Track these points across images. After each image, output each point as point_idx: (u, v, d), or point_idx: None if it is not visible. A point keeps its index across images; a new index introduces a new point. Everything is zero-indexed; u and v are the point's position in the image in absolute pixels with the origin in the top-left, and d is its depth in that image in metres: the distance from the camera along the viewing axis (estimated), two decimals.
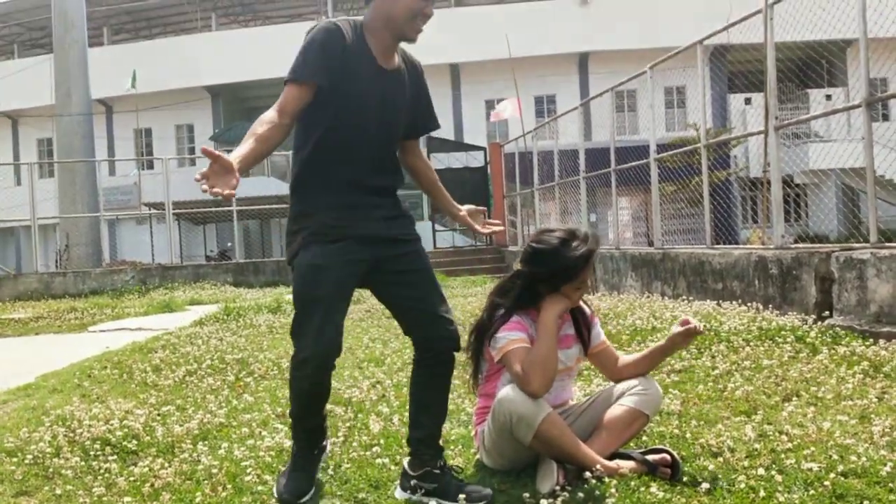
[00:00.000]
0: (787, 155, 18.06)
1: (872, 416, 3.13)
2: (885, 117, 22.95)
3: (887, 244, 5.73)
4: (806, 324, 5.42)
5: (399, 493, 2.59)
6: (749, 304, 6.52)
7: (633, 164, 10.66)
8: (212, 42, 31.03)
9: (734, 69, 20.60)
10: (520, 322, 2.69)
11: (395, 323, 2.68)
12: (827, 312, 5.79)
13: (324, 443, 2.72)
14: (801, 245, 6.83)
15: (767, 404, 3.45)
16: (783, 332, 5.06)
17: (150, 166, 28.98)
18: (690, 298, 7.83)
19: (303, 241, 2.52)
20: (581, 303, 2.86)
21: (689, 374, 4.20)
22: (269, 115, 2.38)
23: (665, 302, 7.48)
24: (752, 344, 4.80)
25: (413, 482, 2.56)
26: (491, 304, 2.81)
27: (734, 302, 6.86)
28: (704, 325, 5.38)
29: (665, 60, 9.35)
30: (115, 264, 20.74)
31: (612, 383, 2.93)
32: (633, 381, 2.82)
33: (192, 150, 32.50)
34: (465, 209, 2.93)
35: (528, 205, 15.92)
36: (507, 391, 2.59)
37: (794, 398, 3.55)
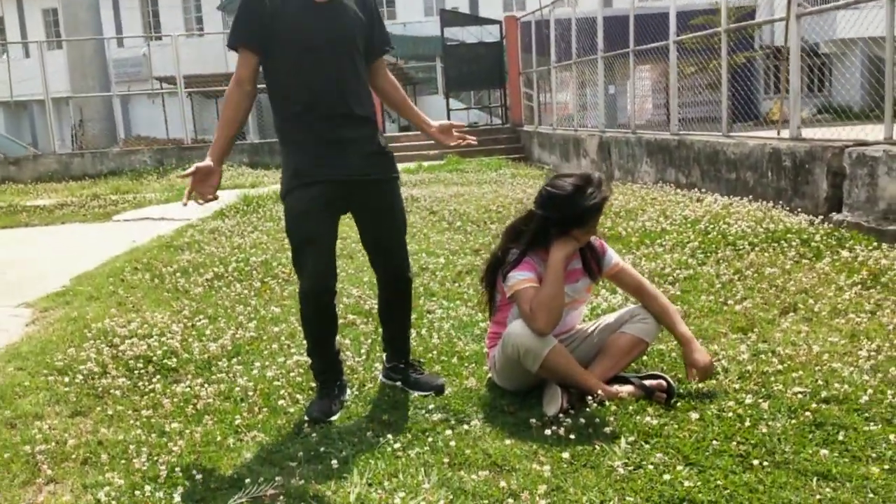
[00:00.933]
0: (813, 23, 17.45)
1: (862, 335, 3.32)
2: None
3: None
4: (813, 224, 5.54)
5: (381, 378, 3.20)
6: (761, 200, 6.62)
7: (652, 45, 10.42)
8: None
9: None
10: (530, 262, 2.86)
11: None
12: (837, 208, 5.90)
13: (342, 380, 3.00)
14: (815, 138, 6.83)
15: (765, 319, 3.65)
16: (789, 235, 5.21)
17: (158, 37, 28.42)
18: (704, 190, 7.91)
19: (287, 185, 2.82)
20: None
21: (694, 282, 4.38)
22: (230, 92, 2.76)
23: (677, 197, 7.58)
24: (757, 249, 4.96)
25: (387, 372, 3.17)
26: (505, 243, 2.96)
27: (746, 197, 6.95)
28: (713, 229, 5.52)
29: None
30: (130, 142, 20.83)
31: (620, 306, 3.12)
32: (636, 310, 3.00)
33: (199, 20, 31.75)
34: (436, 125, 3.10)
35: (545, 80, 15.66)
36: (515, 326, 2.80)
37: (791, 312, 3.75)
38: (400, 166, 3.09)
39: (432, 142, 3.25)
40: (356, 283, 4.78)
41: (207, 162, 2.71)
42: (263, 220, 7.67)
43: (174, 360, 3.47)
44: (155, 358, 3.47)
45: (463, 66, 18.22)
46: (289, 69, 2.76)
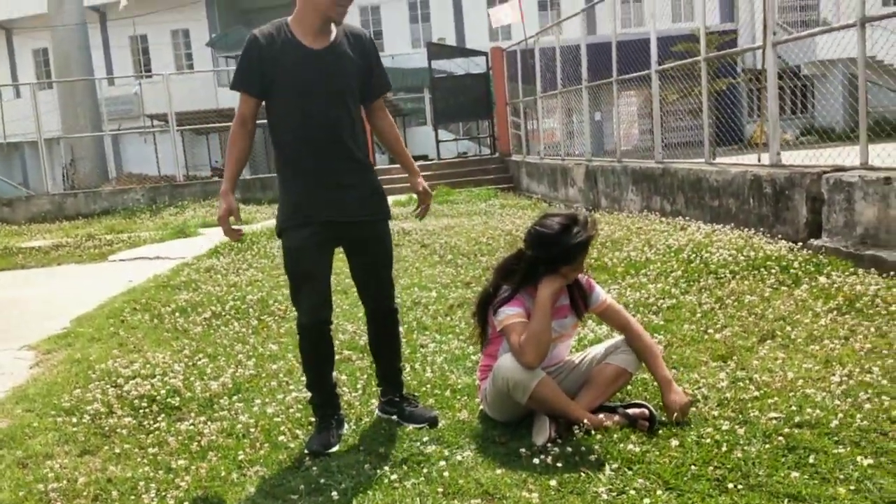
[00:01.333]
0: (795, 46, 17.83)
1: (835, 361, 3.48)
2: None
3: (875, 167, 5.95)
4: (795, 251, 5.71)
5: (377, 412, 3.33)
6: (743, 227, 6.81)
7: (634, 74, 10.68)
8: None
9: None
10: (519, 298, 3.02)
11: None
12: (817, 233, 6.08)
13: (339, 414, 3.16)
14: (794, 164, 7.03)
15: (744, 347, 3.81)
16: (769, 262, 5.38)
17: (149, 76, 28.73)
18: (688, 217, 8.11)
19: (284, 222, 3.01)
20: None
21: (677, 311, 4.55)
22: (234, 131, 3.00)
23: (662, 225, 7.77)
24: (738, 277, 5.14)
25: (382, 405, 3.31)
26: (496, 281, 3.12)
27: (729, 224, 7.14)
28: (695, 258, 5.70)
29: None
30: (122, 180, 20.99)
31: (605, 339, 3.28)
32: (620, 342, 3.16)
33: (188, 57, 32.10)
34: (419, 186, 3.29)
35: (532, 109, 15.94)
36: (505, 360, 2.95)
37: (769, 339, 3.91)
38: (391, 198, 3.31)
39: (422, 173, 3.43)
40: (351, 319, 4.93)
41: (224, 207, 2.97)
42: (258, 258, 7.82)
43: (177, 398, 3.61)
44: (158, 397, 3.61)
45: (450, 97, 18.53)
46: (287, 113, 2.95)
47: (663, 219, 8.40)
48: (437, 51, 20.03)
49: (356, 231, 3.04)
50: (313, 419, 3.13)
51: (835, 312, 4.24)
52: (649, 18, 9.82)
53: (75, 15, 21.95)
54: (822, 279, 4.91)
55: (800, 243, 6.02)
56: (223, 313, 5.31)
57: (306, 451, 2.93)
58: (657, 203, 9.26)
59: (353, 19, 30.25)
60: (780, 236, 6.39)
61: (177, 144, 17.74)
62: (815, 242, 6.01)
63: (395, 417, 3.25)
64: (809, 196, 6.27)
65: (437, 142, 18.79)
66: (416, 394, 3.46)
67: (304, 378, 3.18)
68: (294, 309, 3.12)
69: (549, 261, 2.96)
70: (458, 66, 20.26)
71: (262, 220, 11.83)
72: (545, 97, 14.61)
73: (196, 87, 26.88)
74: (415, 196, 3.33)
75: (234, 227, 3.05)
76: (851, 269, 5.13)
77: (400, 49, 29.43)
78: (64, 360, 4.52)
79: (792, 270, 5.19)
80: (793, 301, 4.53)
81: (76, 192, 17.08)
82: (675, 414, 2.94)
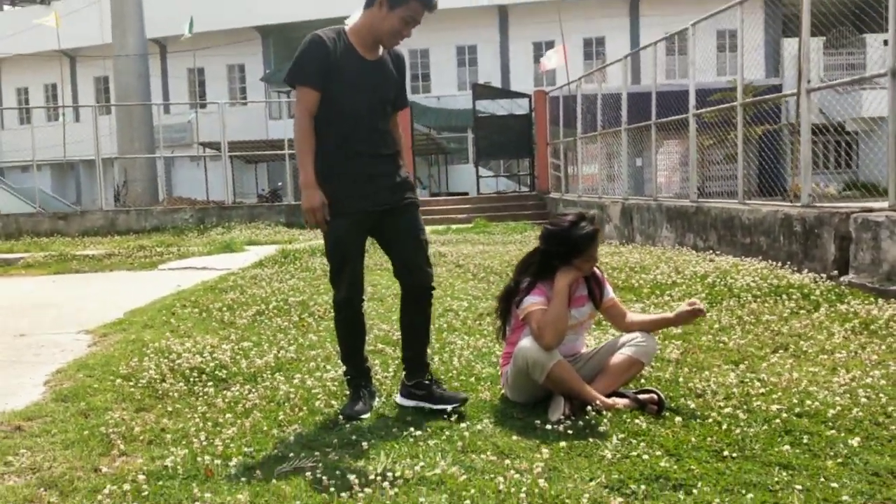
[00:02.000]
0: (839, 101, 17.93)
1: (841, 368, 3.67)
2: None
3: None
4: (819, 282, 5.87)
5: (399, 399, 3.41)
6: (773, 261, 6.98)
7: (672, 118, 10.95)
8: None
9: (791, 11, 20.27)
10: (541, 289, 3.30)
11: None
12: (844, 270, 6.23)
13: (372, 387, 3.43)
14: (824, 204, 7.21)
15: (756, 355, 4.01)
16: (791, 290, 5.56)
17: (203, 105, 29.81)
18: (719, 252, 8.29)
19: (331, 211, 3.24)
20: (595, 268, 3.44)
21: (696, 326, 4.74)
22: (303, 122, 3.22)
23: (690, 256, 7.97)
24: (759, 300, 5.32)
25: (408, 390, 3.38)
26: (517, 276, 3.43)
27: (759, 257, 7.32)
28: (720, 282, 5.91)
29: (709, 18, 9.53)
30: (172, 201, 21.74)
31: (619, 334, 3.53)
32: (635, 334, 3.41)
33: (243, 91, 33.24)
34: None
35: (572, 150, 16.27)
36: (525, 342, 3.22)
37: (782, 350, 4.11)
38: (429, 228, 3.63)
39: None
40: (385, 321, 5.22)
41: (315, 196, 3.20)
42: (300, 271, 8.16)
43: (224, 372, 3.92)
44: (207, 370, 3.93)
45: (493, 136, 18.98)
46: (335, 111, 3.25)
47: (696, 253, 8.58)
48: (482, 92, 20.56)
49: (389, 216, 3.33)
50: (348, 391, 3.40)
51: (849, 332, 4.41)
52: (690, 65, 10.11)
53: (138, 46, 23.02)
54: (842, 306, 5.07)
55: (829, 280, 6.16)
56: (267, 311, 5.64)
57: (340, 416, 3.20)
58: (690, 240, 9.45)
59: None
60: (807, 271, 6.54)
61: (227, 170, 18.40)
62: (842, 278, 6.16)
63: (422, 403, 3.31)
64: (838, 234, 6.44)
65: (478, 177, 19.19)
66: (441, 379, 3.67)
67: (339, 359, 3.46)
68: (333, 290, 3.38)
69: (562, 253, 3.25)
70: (501, 107, 20.73)
71: (305, 241, 12.24)
72: (585, 139, 14.94)
73: (249, 117, 27.84)
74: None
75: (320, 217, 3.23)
76: (872, 300, 5.28)
77: (446, 91, 30.14)
78: (120, 341, 4.88)
79: (813, 297, 5.36)
80: (810, 321, 4.71)
81: (128, 209, 17.78)
82: (695, 308, 3.33)
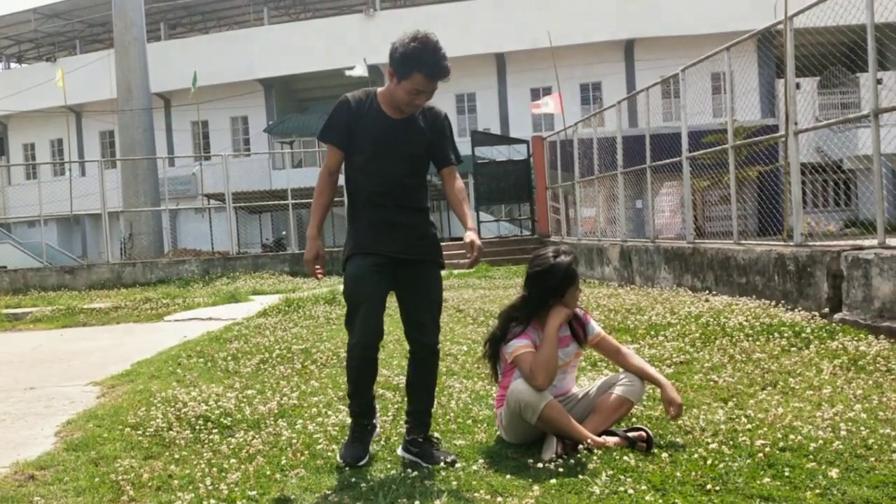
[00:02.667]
0: (837, 140, 18.19)
1: (826, 403, 3.79)
2: None
3: (890, 246, 6.25)
4: (811, 320, 6.00)
5: (399, 451, 3.46)
6: (767, 300, 7.11)
7: (667, 161, 11.17)
8: (264, 36, 32.11)
9: (783, 52, 20.61)
10: (527, 333, 3.44)
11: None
12: (837, 307, 6.35)
13: (374, 420, 3.52)
14: (816, 244, 7.36)
15: (746, 392, 4.13)
16: (783, 328, 5.68)
17: (208, 157, 30.29)
18: (715, 292, 8.42)
19: (349, 253, 3.41)
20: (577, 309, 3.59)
21: (689, 366, 4.88)
22: (322, 180, 3.46)
23: (686, 297, 8.10)
24: (751, 338, 5.45)
25: (404, 444, 3.45)
26: (502, 325, 3.57)
27: (754, 296, 7.45)
28: (713, 322, 6.03)
29: (700, 62, 9.78)
30: (177, 253, 22.01)
31: (605, 375, 3.66)
32: (623, 375, 3.54)
33: (246, 142, 33.78)
34: (467, 238, 3.44)
35: (571, 194, 16.50)
36: (517, 384, 3.35)
37: (770, 387, 4.22)
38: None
39: (462, 251, 3.85)
40: (386, 366, 5.34)
41: (314, 251, 3.41)
42: (303, 319, 8.31)
43: (229, 419, 4.05)
44: (213, 417, 4.05)
45: (493, 181, 19.28)
46: (362, 166, 3.43)
47: (694, 294, 8.72)
48: (481, 138, 20.94)
49: (408, 268, 3.39)
50: (347, 435, 3.51)
51: (837, 368, 4.53)
52: (681, 109, 10.36)
53: (143, 101, 23.55)
54: (833, 343, 5.19)
55: (822, 317, 6.28)
56: (270, 359, 5.78)
57: (339, 460, 3.31)
58: (688, 280, 9.59)
59: None
60: (800, 310, 6.66)
61: (231, 221, 18.67)
62: (836, 316, 6.28)
63: (416, 459, 3.34)
64: (830, 273, 6.57)
65: (479, 222, 19.41)
66: (438, 437, 3.61)
67: (341, 407, 3.57)
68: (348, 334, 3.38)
69: (556, 287, 3.39)
70: (500, 153, 21.09)
71: (308, 289, 12.41)
72: (582, 182, 15.18)
73: (252, 168, 28.27)
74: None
75: (317, 268, 3.44)
76: (862, 336, 5.40)
77: None
78: (128, 392, 5.01)
79: (804, 335, 5.49)
80: (799, 358, 4.83)
81: (134, 262, 18.00)
82: (675, 408, 3.37)
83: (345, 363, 3.47)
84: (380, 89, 3.47)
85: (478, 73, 30.14)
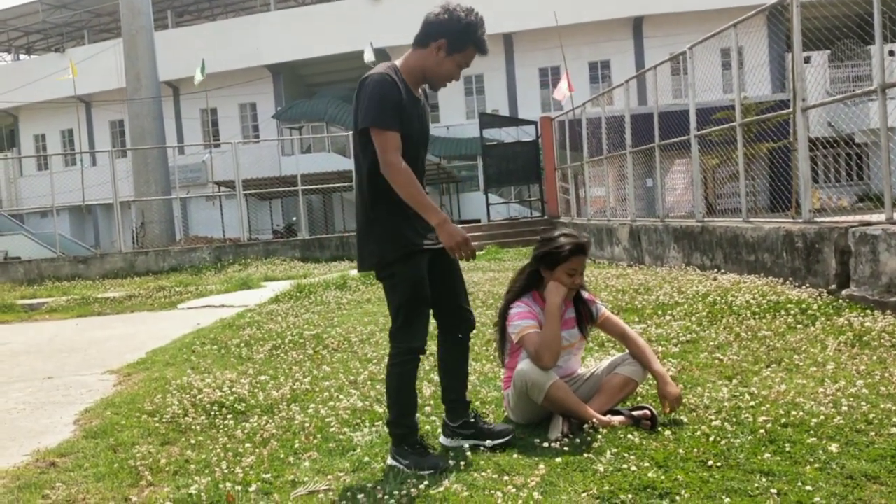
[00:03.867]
0: (848, 113, 18.01)
1: (829, 380, 3.83)
2: None
3: None
4: (819, 297, 6.02)
5: (443, 440, 3.39)
6: (776, 277, 7.13)
7: (675, 139, 11.15)
8: (271, 22, 32.11)
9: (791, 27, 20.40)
10: (531, 311, 3.50)
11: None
12: (845, 284, 6.37)
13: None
14: (824, 219, 7.36)
15: (750, 370, 4.18)
16: (789, 305, 5.72)
17: (217, 145, 30.41)
18: (724, 271, 8.44)
19: (401, 252, 3.11)
20: (582, 291, 3.64)
21: (695, 344, 4.93)
22: (404, 167, 3.03)
23: (695, 276, 8.13)
24: (757, 316, 5.49)
25: (453, 431, 3.35)
26: (506, 296, 3.66)
27: (762, 274, 7.47)
28: (720, 301, 6.06)
29: (708, 39, 9.73)
30: (189, 241, 22.17)
31: (612, 356, 3.72)
32: (627, 356, 3.60)
33: (255, 128, 33.88)
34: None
35: (580, 174, 16.49)
36: (523, 365, 3.41)
37: (774, 364, 4.27)
38: None
39: (472, 234, 3.91)
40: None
41: (459, 232, 3.04)
42: (314, 305, 8.41)
43: (243, 405, 4.15)
44: (227, 403, 4.16)
45: (501, 163, 19.27)
46: (403, 152, 3.08)
47: (703, 272, 8.75)
48: (489, 120, 20.90)
49: (443, 257, 3.20)
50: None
51: (842, 345, 4.57)
52: (689, 87, 10.32)
53: (152, 89, 23.64)
54: (839, 319, 5.23)
55: (830, 293, 6.30)
56: (283, 345, 5.87)
57: (427, 470, 3.02)
58: (697, 259, 9.61)
59: None
60: (808, 286, 6.68)
61: (242, 208, 18.78)
62: (843, 292, 6.30)
63: (473, 441, 3.26)
64: (838, 249, 6.58)
65: (488, 205, 19.44)
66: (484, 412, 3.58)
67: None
68: (400, 341, 3.16)
69: (548, 256, 3.49)
70: (509, 134, 21.07)
71: (319, 275, 12.51)
72: (591, 162, 15.16)
73: (262, 155, 28.38)
74: None
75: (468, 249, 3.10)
76: (869, 312, 5.43)
77: (455, 120, 30.58)
78: (144, 379, 5.13)
79: (811, 312, 5.52)
80: (805, 335, 4.87)
81: (147, 251, 18.16)
82: (669, 402, 3.39)
83: (392, 379, 3.17)
84: (399, 64, 3.18)
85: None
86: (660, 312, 6.00)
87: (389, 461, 3.12)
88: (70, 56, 32.30)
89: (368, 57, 23.45)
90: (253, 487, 2.90)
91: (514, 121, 21.85)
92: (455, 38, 3.09)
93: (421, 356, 3.17)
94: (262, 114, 33.46)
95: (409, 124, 3.10)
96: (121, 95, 27.24)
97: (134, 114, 23.74)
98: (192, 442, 3.62)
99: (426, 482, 2.81)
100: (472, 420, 3.35)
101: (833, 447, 2.86)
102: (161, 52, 25.03)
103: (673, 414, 3.43)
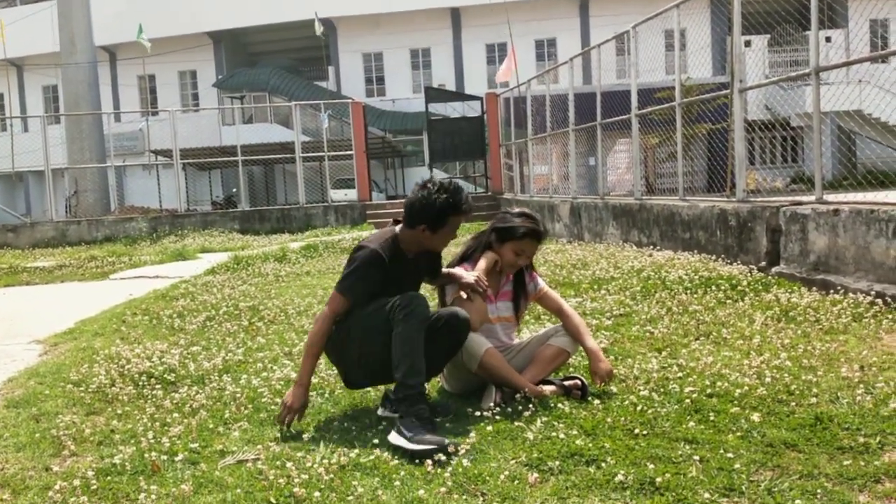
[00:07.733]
0: (784, 97, 18.46)
1: (755, 352, 3.95)
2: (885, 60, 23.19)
3: (827, 201, 6.45)
4: (749, 274, 6.19)
5: (380, 412, 3.40)
6: (709, 254, 7.30)
7: (616, 118, 11.27)
8: None
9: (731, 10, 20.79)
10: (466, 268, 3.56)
11: None
12: (776, 261, 6.56)
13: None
14: (756, 199, 7.54)
15: (680, 343, 4.28)
16: (720, 281, 5.86)
17: (155, 113, 29.60)
18: (660, 248, 8.61)
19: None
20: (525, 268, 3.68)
21: (628, 318, 5.02)
22: (324, 326, 3.24)
23: (631, 252, 8.27)
24: (688, 291, 5.61)
25: (393, 403, 3.29)
26: (452, 260, 3.72)
27: (696, 251, 7.64)
28: (654, 276, 6.18)
29: (652, 18, 9.81)
30: (124, 210, 21.57)
31: (544, 328, 3.75)
32: (560, 327, 3.64)
33: (195, 97, 33.06)
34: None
35: (524, 151, 16.57)
36: None
37: (703, 337, 4.38)
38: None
39: None
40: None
41: (303, 400, 3.20)
42: (252, 276, 8.29)
43: (173, 375, 4.06)
44: (156, 374, 4.06)
45: (446, 138, 19.22)
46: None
47: (639, 249, 8.90)
48: (435, 95, 20.80)
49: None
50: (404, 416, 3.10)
51: (769, 319, 4.71)
52: (632, 67, 10.42)
53: (87, 54, 22.76)
54: (767, 295, 5.38)
55: (761, 270, 6.48)
56: (217, 316, 5.77)
57: (433, 449, 2.81)
58: (635, 236, 9.77)
59: (356, 64, 31.25)
60: (741, 263, 6.86)
61: (180, 178, 18.35)
62: (773, 269, 6.49)
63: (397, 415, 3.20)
64: (769, 227, 6.76)
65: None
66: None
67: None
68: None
69: (500, 231, 3.56)
70: (454, 109, 21.00)
71: (258, 247, 12.34)
72: (535, 139, 15.24)
73: (202, 125, 27.69)
74: None
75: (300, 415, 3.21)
76: (795, 289, 5.60)
77: (401, 94, 30.37)
78: (71, 349, 4.97)
79: (740, 288, 5.67)
80: (734, 310, 5.01)
81: (79, 220, 17.64)
82: (600, 378, 3.45)
83: (405, 340, 3.15)
84: (398, 230, 3.41)
85: (432, 27, 29.83)
86: (595, 287, 6.08)
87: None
88: (0, 17, 30.92)
89: (318, 29, 23.05)
90: (179, 457, 2.85)
91: (459, 96, 21.80)
92: (433, 222, 3.32)
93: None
94: (202, 82, 32.66)
95: (392, 274, 3.31)
96: (54, 59, 26.23)
97: (68, 79, 22.84)
98: (119, 412, 3.53)
99: (356, 451, 2.79)
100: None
101: (755, 416, 2.95)
102: (97, 16, 24.11)
103: (603, 385, 3.48)
